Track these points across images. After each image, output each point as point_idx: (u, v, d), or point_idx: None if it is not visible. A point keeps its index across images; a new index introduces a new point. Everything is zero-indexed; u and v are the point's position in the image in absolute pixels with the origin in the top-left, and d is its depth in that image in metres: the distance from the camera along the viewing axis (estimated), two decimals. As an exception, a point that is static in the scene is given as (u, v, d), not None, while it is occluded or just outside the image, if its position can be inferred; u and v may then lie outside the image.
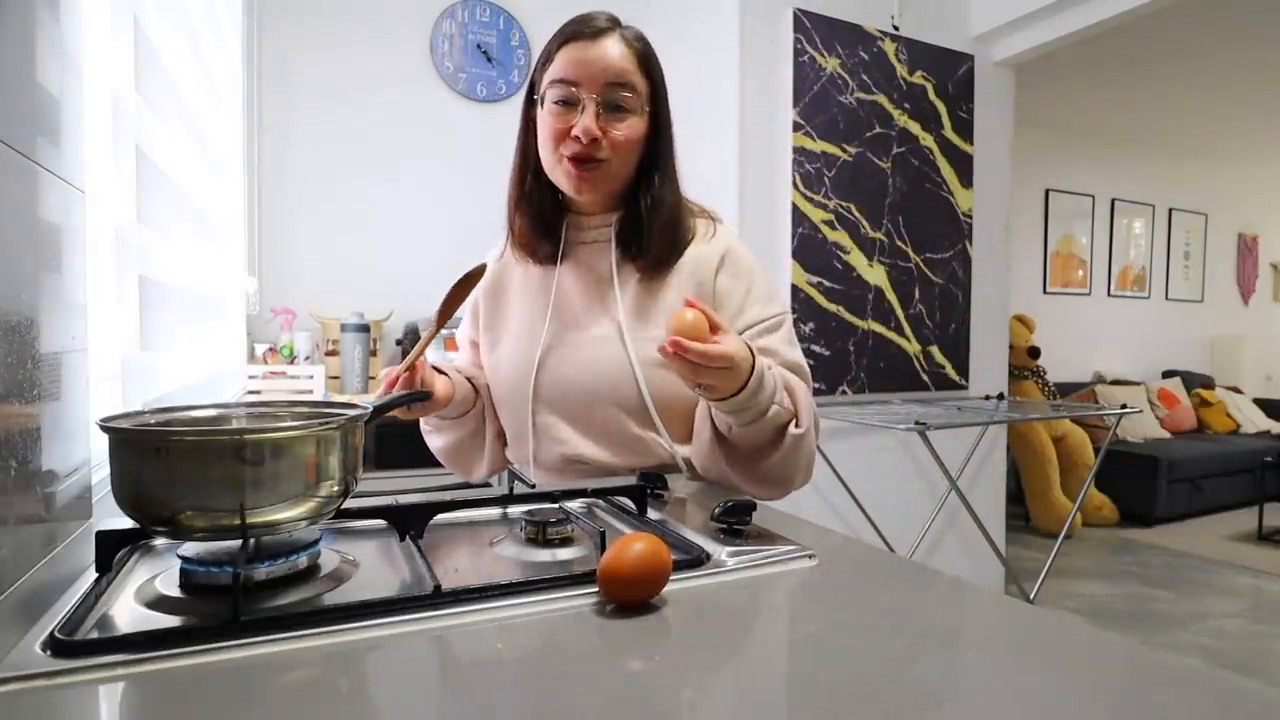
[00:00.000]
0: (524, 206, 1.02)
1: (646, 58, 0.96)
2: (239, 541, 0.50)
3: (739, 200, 2.38)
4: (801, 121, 2.43)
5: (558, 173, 0.96)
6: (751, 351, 0.82)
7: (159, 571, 0.54)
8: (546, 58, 0.96)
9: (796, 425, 0.89)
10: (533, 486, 0.72)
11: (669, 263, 0.99)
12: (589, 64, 0.92)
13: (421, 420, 1.09)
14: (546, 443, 0.99)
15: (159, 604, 0.49)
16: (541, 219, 1.02)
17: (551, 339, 1.00)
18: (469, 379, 1.07)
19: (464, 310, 1.16)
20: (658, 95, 0.98)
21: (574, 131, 0.92)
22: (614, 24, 0.96)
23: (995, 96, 2.86)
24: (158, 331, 1.13)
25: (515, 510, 0.74)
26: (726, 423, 0.88)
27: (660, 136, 0.98)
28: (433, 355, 1.00)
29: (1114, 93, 4.30)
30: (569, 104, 0.93)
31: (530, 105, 0.99)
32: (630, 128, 0.94)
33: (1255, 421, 5.16)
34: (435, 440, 1.12)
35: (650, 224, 0.97)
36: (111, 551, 0.55)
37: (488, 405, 1.09)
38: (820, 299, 2.48)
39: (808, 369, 0.98)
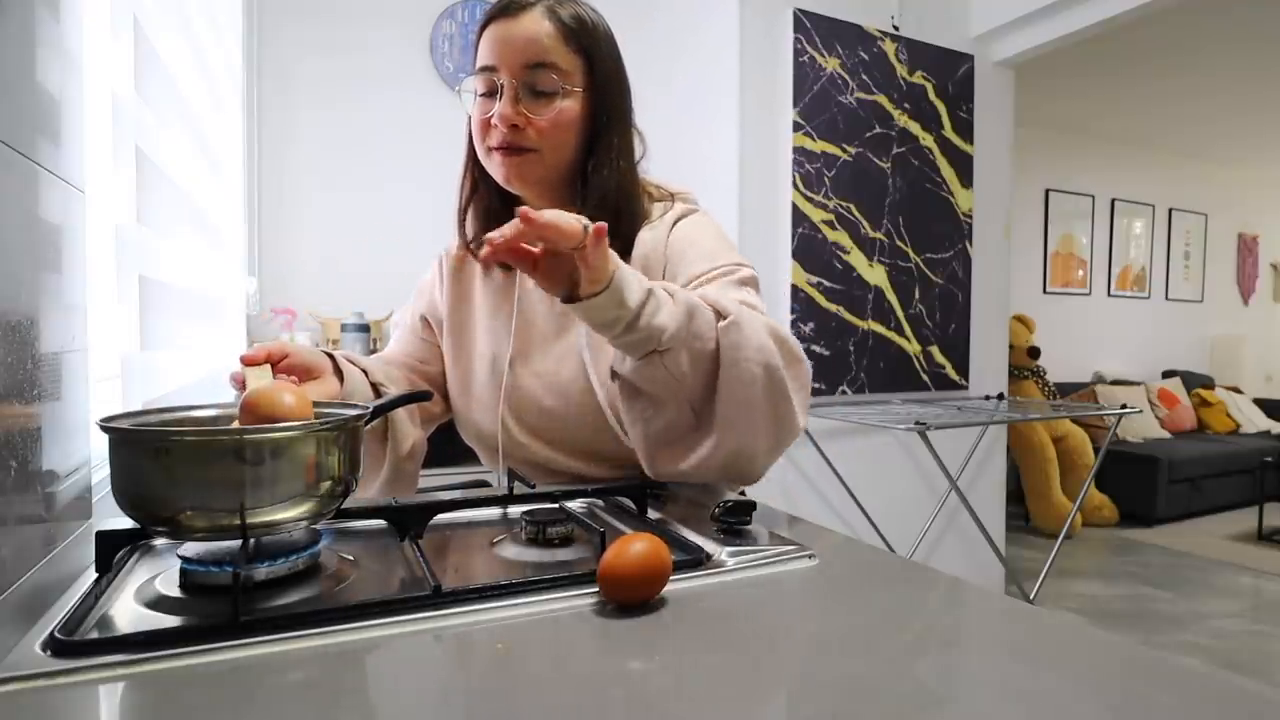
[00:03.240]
0: (471, 209, 0.97)
1: (578, 32, 0.86)
2: (239, 541, 0.50)
3: (739, 200, 2.38)
4: (801, 121, 2.43)
5: (490, 166, 0.90)
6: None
7: (159, 571, 0.54)
8: (475, 46, 0.89)
9: (724, 339, 0.73)
10: (533, 486, 0.72)
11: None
12: (506, 44, 0.85)
13: None
14: (518, 463, 0.95)
15: (159, 604, 0.49)
16: (489, 221, 0.96)
17: (516, 354, 0.94)
18: (376, 385, 0.90)
19: (419, 290, 1.07)
20: (596, 73, 0.88)
21: (492, 120, 0.85)
22: None
23: (995, 96, 2.86)
24: (158, 331, 1.13)
25: (515, 510, 0.74)
26: (621, 358, 0.75)
27: (600, 118, 0.89)
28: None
29: (1114, 93, 4.30)
30: (491, 92, 0.86)
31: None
32: (559, 112, 0.86)
33: (1255, 421, 5.16)
34: None
35: (586, 214, 0.89)
36: (111, 551, 0.55)
37: (410, 421, 0.95)
38: (820, 299, 2.48)
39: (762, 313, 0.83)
